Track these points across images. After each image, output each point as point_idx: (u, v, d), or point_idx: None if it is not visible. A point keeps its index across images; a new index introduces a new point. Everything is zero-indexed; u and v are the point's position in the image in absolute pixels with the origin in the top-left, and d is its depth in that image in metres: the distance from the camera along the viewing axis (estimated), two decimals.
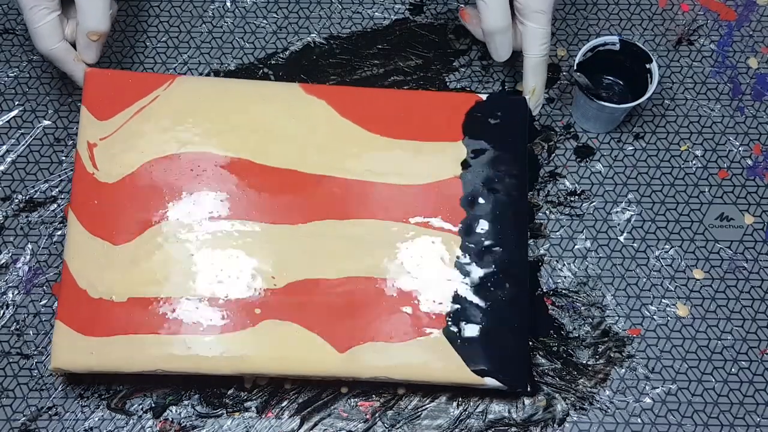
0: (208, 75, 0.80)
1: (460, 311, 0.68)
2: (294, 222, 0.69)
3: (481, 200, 0.71)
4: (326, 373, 0.66)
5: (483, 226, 0.70)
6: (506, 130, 0.73)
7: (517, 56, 0.75)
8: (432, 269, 0.69)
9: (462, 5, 0.83)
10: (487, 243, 0.70)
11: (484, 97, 0.74)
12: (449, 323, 0.67)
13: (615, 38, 0.75)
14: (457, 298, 0.68)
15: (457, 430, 0.69)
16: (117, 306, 0.66)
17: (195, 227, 0.69)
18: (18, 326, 0.72)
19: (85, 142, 0.70)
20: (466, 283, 0.68)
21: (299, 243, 0.69)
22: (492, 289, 0.69)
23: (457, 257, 0.69)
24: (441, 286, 0.68)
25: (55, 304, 0.72)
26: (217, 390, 0.70)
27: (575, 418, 0.70)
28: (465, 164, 0.72)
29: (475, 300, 0.68)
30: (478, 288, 0.68)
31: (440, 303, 0.68)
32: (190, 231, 0.69)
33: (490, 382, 0.66)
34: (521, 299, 0.69)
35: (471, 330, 0.67)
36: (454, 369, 0.66)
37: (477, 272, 0.69)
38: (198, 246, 0.68)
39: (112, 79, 0.72)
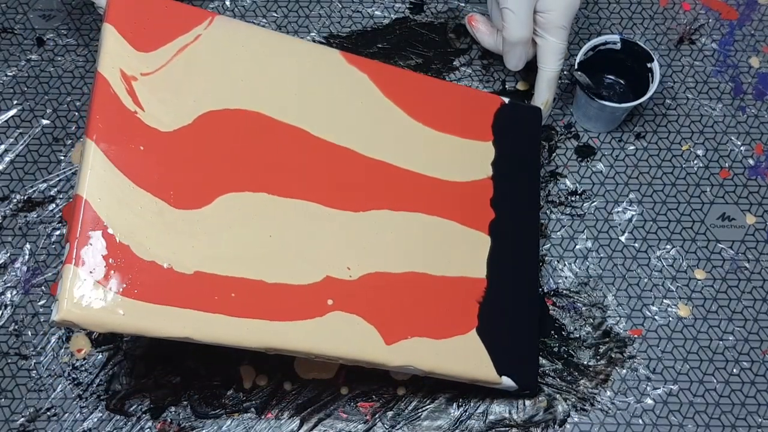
0: None
1: (490, 311, 0.68)
2: (356, 209, 0.66)
3: (505, 203, 0.71)
4: (365, 360, 0.64)
5: (507, 228, 0.70)
6: (525, 136, 0.73)
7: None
8: (468, 268, 0.68)
9: (470, 11, 0.83)
10: (510, 245, 0.70)
11: (506, 100, 0.74)
12: (481, 322, 0.67)
13: (616, 37, 0.75)
14: (487, 299, 0.68)
15: (457, 431, 0.69)
16: (180, 277, 0.58)
17: (267, 202, 0.63)
18: (16, 327, 0.71)
19: (118, 71, 0.61)
20: (494, 284, 0.68)
21: (365, 232, 0.66)
22: (512, 290, 0.69)
23: (488, 258, 0.69)
24: (474, 286, 0.68)
25: (54, 304, 0.72)
26: (216, 390, 0.70)
27: (576, 419, 0.69)
28: (494, 165, 0.71)
29: (501, 301, 0.68)
30: (503, 289, 0.69)
31: (474, 303, 0.68)
32: (264, 207, 0.63)
33: (506, 381, 0.66)
34: (534, 300, 0.70)
35: (497, 330, 0.67)
36: (484, 367, 0.66)
37: (502, 273, 0.69)
38: (273, 225, 0.63)
39: (143, 3, 0.63)
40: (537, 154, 0.73)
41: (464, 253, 0.68)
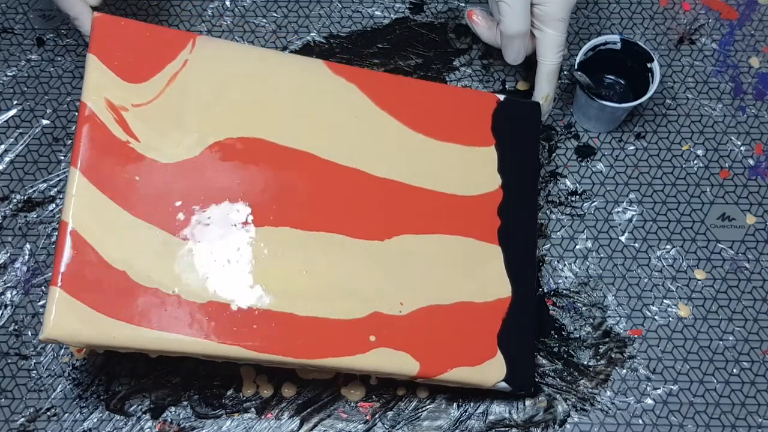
0: None
1: (507, 323, 0.67)
2: (380, 237, 0.65)
3: (509, 207, 0.70)
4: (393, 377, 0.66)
5: (511, 232, 0.69)
6: (523, 134, 0.72)
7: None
8: (499, 289, 0.67)
9: (470, 6, 0.83)
10: (513, 249, 0.69)
11: (501, 97, 0.73)
12: (501, 337, 0.66)
13: (616, 37, 0.75)
14: (508, 313, 0.67)
15: (457, 431, 0.69)
16: (189, 305, 0.59)
17: (292, 237, 0.63)
18: (16, 327, 0.71)
19: (103, 100, 0.61)
20: (511, 296, 0.68)
21: (400, 262, 0.64)
22: (517, 293, 0.68)
23: (504, 270, 0.68)
24: (503, 305, 0.67)
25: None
26: (216, 390, 0.70)
27: (576, 419, 0.69)
28: (500, 172, 0.70)
29: (514, 309, 0.67)
30: (514, 297, 0.68)
31: (500, 321, 0.67)
32: (292, 241, 0.62)
33: (499, 384, 0.66)
34: (532, 300, 0.69)
35: (508, 337, 0.67)
36: (496, 377, 0.66)
37: (513, 281, 0.68)
38: (306, 260, 0.62)
39: (126, 31, 0.63)
40: (536, 151, 0.73)
41: (491, 271, 0.67)
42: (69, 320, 0.57)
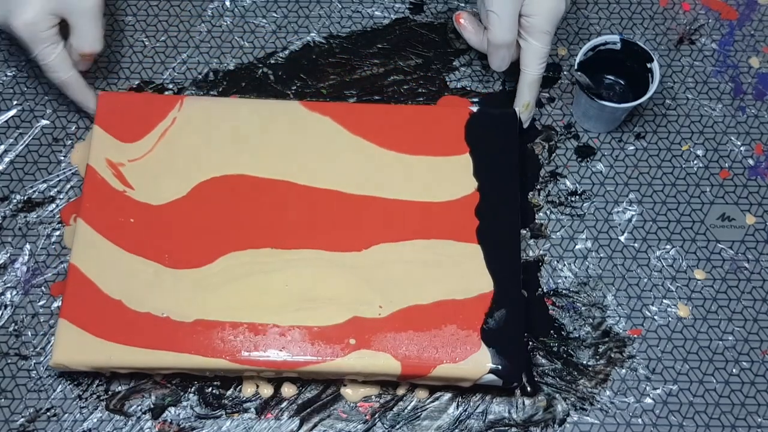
0: (207, 74, 0.80)
1: (489, 317, 0.68)
2: (358, 248, 0.70)
3: (486, 207, 0.71)
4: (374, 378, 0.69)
5: (489, 230, 0.71)
6: (500, 140, 0.74)
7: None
8: (480, 285, 0.69)
9: (460, 10, 0.83)
10: (493, 246, 0.70)
11: (474, 108, 0.75)
12: (483, 331, 0.68)
13: (616, 37, 0.75)
14: (492, 307, 0.68)
15: (457, 430, 0.69)
16: (177, 324, 0.67)
17: (272, 256, 0.69)
18: (16, 327, 0.72)
19: (103, 160, 0.72)
20: (493, 290, 0.69)
21: (378, 269, 0.69)
22: (501, 289, 0.69)
23: (484, 267, 0.69)
24: (484, 300, 0.68)
25: (54, 304, 0.72)
26: (216, 390, 0.70)
27: (576, 419, 0.69)
28: (476, 176, 0.72)
29: (498, 303, 0.68)
30: (497, 292, 0.69)
31: (482, 315, 0.68)
32: (271, 260, 0.69)
33: (486, 377, 0.66)
34: (518, 293, 0.69)
35: (493, 331, 0.68)
36: (483, 371, 0.67)
37: (495, 277, 0.69)
38: (285, 275, 0.68)
39: (124, 101, 0.75)
40: (514, 154, 0.74)
41: (471, 269, 0.69)
42: (71, 347, 0.66)
